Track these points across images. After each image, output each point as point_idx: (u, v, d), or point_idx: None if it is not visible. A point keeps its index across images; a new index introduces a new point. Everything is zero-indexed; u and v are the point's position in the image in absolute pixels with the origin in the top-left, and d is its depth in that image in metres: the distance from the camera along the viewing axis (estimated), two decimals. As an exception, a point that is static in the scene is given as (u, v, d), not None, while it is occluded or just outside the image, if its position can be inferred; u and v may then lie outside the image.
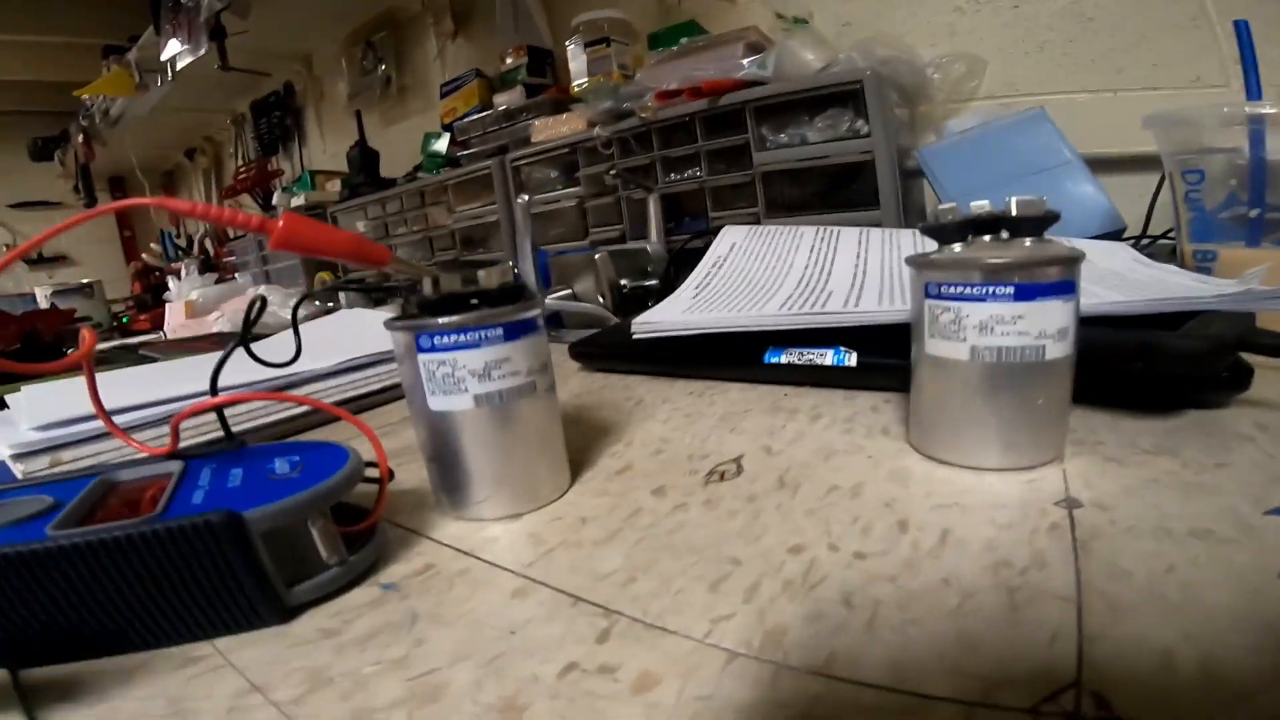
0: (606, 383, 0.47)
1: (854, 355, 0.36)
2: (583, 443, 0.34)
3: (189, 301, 1.18)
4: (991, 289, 0.24)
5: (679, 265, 0.73)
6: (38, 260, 2.74)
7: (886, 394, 0.36)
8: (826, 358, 0.37)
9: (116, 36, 1.89)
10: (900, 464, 0.27)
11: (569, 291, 0.69)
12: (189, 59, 1.57)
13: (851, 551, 0.21)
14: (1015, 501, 0.23)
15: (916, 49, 0.81)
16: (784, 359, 0.39)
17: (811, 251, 0.51)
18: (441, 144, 1.24)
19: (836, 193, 0.75)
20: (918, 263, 0.27)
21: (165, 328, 1.19)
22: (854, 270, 0.46)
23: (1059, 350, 0.25)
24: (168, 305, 1.36)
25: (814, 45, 0.76)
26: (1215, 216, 0.47)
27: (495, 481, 0.27)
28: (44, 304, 1.44)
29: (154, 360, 0.67)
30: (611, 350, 0.50)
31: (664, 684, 0.16)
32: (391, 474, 0.27)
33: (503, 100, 1.14)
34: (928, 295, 0.26)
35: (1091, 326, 0.27)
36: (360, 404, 0.48)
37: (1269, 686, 0.13)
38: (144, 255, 2.33)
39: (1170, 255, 0.61)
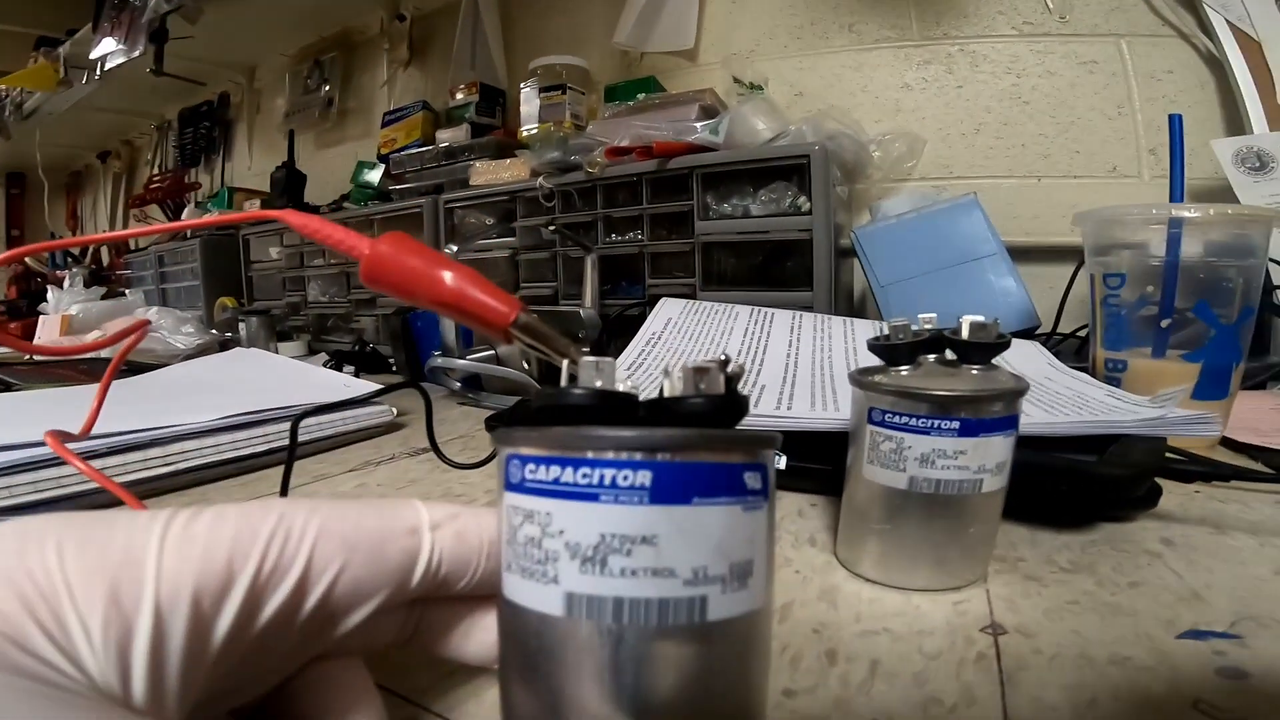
0: None
1: (784, 459, 0.35)
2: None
3: (66, 316, 1.07)
4: (937, 423, 0.23)
5: (612, 332, 0.71)
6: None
7: (813, 496, 0.36)
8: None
9: (57, 29, 1.77)
10: (829, 581, 0.27)
11: (491, 353, 0.65)
12: (121, 59, 1.46)
13: (781, 689, 0.20)
14: (942, 628, 0.23)
15: (862, 124, 0.83)
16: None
17: (745, 335, 0.50)
18: (375, 174, 1.19)
19: (772, 269, 0.74)
20: (863, 384, 0.25)
21: (35, 339, 1.07)
22: (786, 361, 0.45)
23: (995, 484, 0.24)
24: (41, 318, 1.24)
25: (766, 114, 0.77)
26: (1129, 319, 0.48)
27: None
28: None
29: (7, 386, 0.59)
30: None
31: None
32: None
33: (446, 136, 1.11)
34: (871, 420, 0.25)
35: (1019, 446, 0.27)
36: (246, 464, 0.43)
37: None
38: (28, 260, 2.13)
39: (1076, 354, 0.63)
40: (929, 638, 0.22)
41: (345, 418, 0.50)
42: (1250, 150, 0.68)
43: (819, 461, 0.33)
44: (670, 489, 0.13)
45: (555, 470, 0.13)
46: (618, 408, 0.14)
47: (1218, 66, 0.72)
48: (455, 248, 0.62)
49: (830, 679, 0.20)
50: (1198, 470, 0.33)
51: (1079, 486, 0.29)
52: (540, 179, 0.84)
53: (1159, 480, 0.32)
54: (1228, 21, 0.70)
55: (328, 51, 1.54)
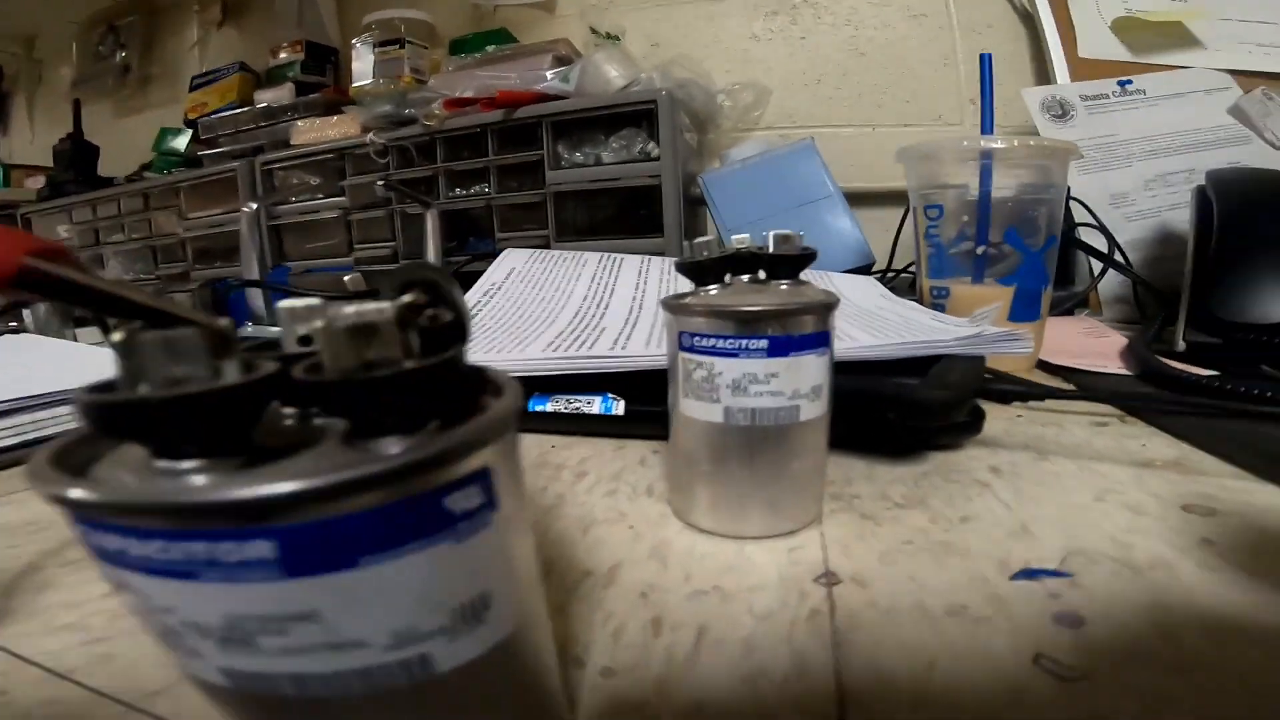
0: None
1: (621, 403, 0.32)
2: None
3: None
4: (744, 343, 0.21)
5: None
6: None
7: (655, 443, 0.33)
8: (594, 405, 0.33)
9: None
10: (661, 536, 0.24)
11: None
12: None
13: (599, 667, 0.17)
14: (775, 581, 0.21)
15: (713, 74, 0.83)
16: (549, 406, 0.34)
17: (593, 281, 0.47)
18: (181, 140, 1.05)
19: (626, 218, 0.72)
20: (672, 307, 0.23)
21: None
22: (630, 304, 0.43)
23: (814, 410, 0.22)
24: None
25: (619, 62, 0.74)
26: (948, 252, 0.50)
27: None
28: None
29: None
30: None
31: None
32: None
33: (267, 97, 0.98)
34: (681, 347, 0.22)
35: (845, 373, 0.26)
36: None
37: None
38: None
39: (910, 289, 0.67)
40: (760, 594, 0.21)
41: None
42: (1054, 99, 0.73)
43: (659, 404, 0.31)
44: (312, 558, 0.08)
45: (126, 543, 0.08)
46: (216, 420, 0.09)
47: (1030, 22, 0.77)
48: (254, 205, 0.54)
49: (654, 653, 0.18)
50: (1014, 390, 0.34)
51: (903, 411, 0.29)
52: (371, 135, 0.76)
53: (982, 405, 0.32)
54: None
55: (124, 16, 1.33)
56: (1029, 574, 0.20)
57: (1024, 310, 0.47)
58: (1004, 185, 0.47)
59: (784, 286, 0.23)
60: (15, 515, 0.28)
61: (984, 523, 0.24)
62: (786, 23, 0.87)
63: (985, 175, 0.47)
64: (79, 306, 0.10)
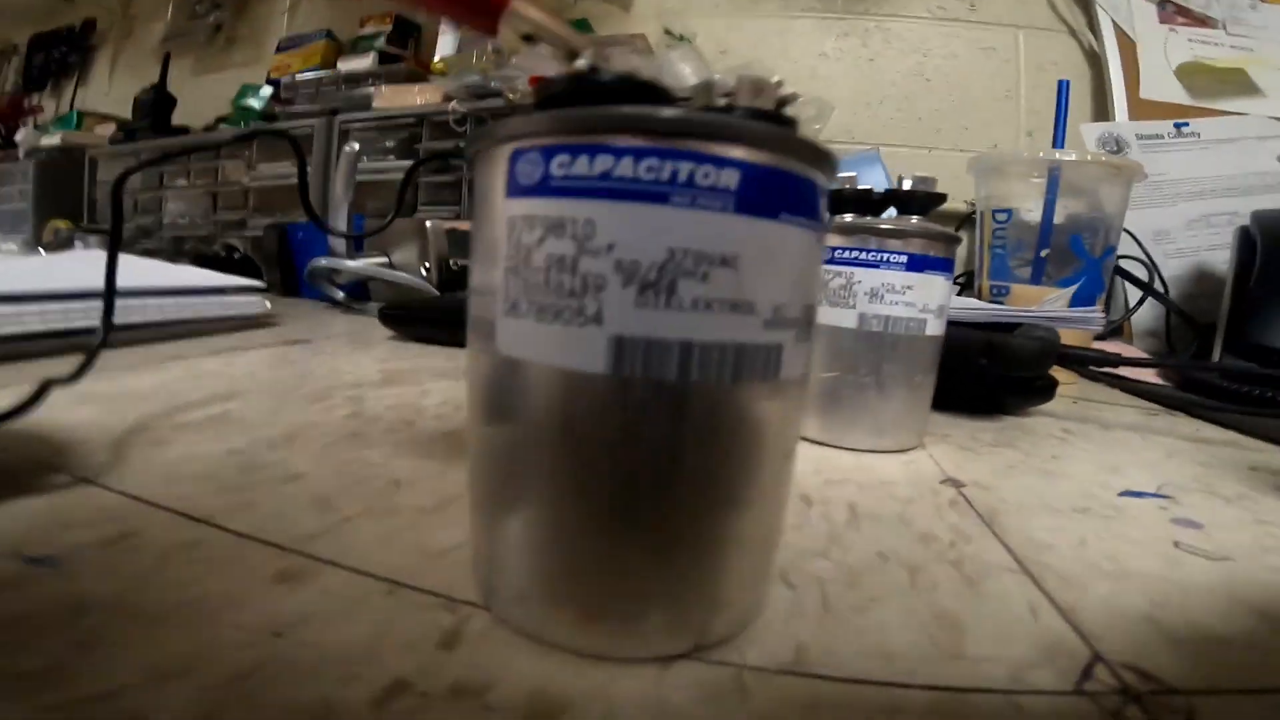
0: (425, 352, 0.42)
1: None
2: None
3: None
4: (886, 256, 0.24)
5: None
6: None
7: None
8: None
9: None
10: None
11: (385, 260, 0.62)
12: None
13: None
14: (904, 480, 0.23)
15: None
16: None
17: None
18: (260, 97, 1.09)
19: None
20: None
21: None
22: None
23: (936, 328, 0.25)
24: None
25: (694, 61, 0.78)
26: (1010, 257, 0.53)
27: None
28: None
29: None
30: (433, 317, 0.46)
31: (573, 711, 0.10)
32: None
33: (350, 64, 1.03)
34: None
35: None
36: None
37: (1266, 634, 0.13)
38: None
39: (961, 292, 0.70)
40: (895, 487, 0.21)
41: (206, 302, 0.43)
42: (1110, 135, 0.77)
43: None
44: (755, 198, 0.10)
45: (602, 162, 0.10)
46: (658, 102, 0.11)
47: (1096, 62, 0.81)
48: (356, 145, 0.57)
49: (813, 520, 0.18)
50: (1091, 355, 0.36)
51: (998, 359, 0.31)
52: (454, 103, 0.80)
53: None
54: (1113, 21, 0.79)
55: (228, -24, 1.38)
56: (1134, 494, 0.22)
57: (1082, 313, 0.50)
58: (1070, 197, 0.51)
59: (914, 220, 0.26)
60: (109, 386, 0.27)
61: (1075, 461, 0.27)
62: (857, 44, 0.91)
63: (1053, 184, 0.50)
64: (551, 45, 0.13)
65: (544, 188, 0.10)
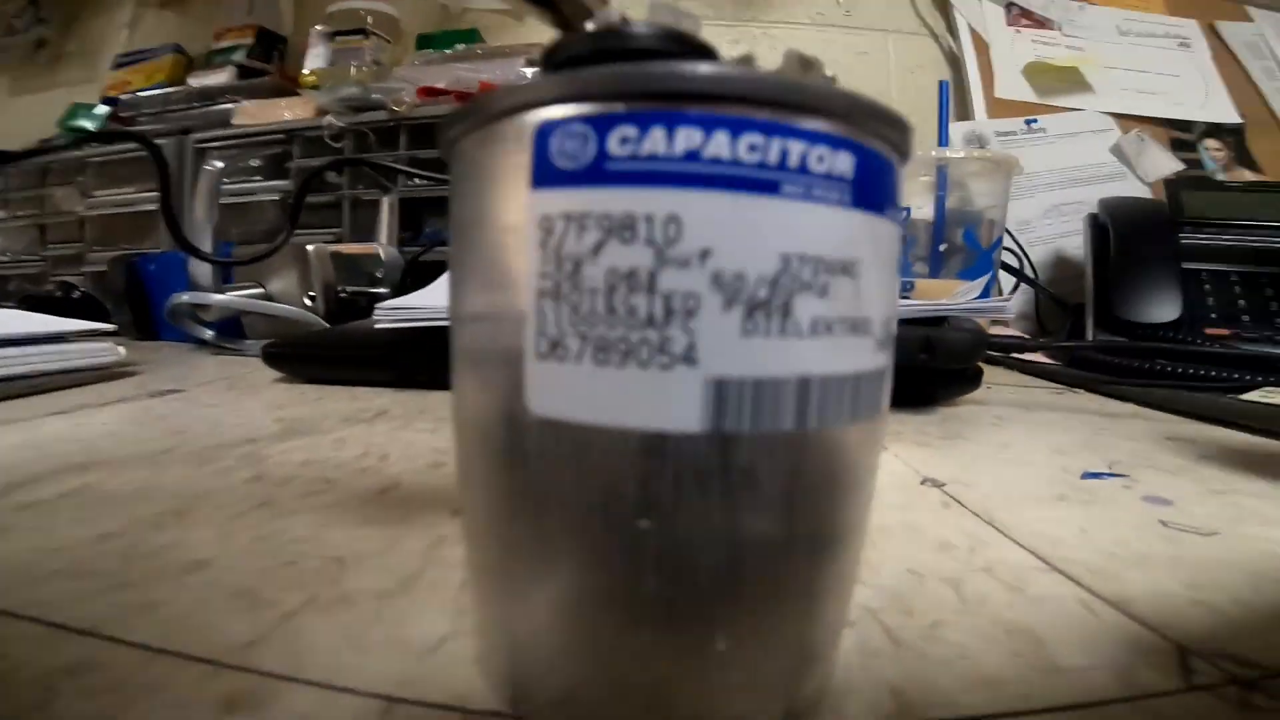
0: (324, 393, 0.36)
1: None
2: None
3: None
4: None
5: (416, 276, 0.65)
6: None
7: None
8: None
9: None
10: None
11: (261, 290, 0.55)
12: None
13: None
14: (885, 484, 0.21)
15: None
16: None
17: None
18: (95, 117, 0.96)
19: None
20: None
21: None
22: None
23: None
24: None
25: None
26: (908, 254, 0.56)
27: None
28: None
29: None
30: (331, 354, 0.40)
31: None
32: None
33: (202, 80, 0.93)
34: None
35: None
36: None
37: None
38: None
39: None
40: (882, 493, 0.19)
41: (41, 353, 0.36)
42: (974, 134, 0.83)
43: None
44: (867, 188, 0.08)
45: (687, 136, 0.07)
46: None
47: (956, 64, 0.87)
48: (220, 164, 0.51)
49: None
50: (1013, 343, 0.38)
51: (935, 354, 0.32)
52: (329, 117, 0.74)
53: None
54: (969, 24, 0.86)
55: (52, -11, 1.21)
56: (1094, 475, 0.23)
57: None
58: (956, 192, 0.54)
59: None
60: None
61: (1024, 448, 0.27)
62: (748, 51, 0.93)
63: (942, 181, 0.53)
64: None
65: (597, 172, 0.07)
